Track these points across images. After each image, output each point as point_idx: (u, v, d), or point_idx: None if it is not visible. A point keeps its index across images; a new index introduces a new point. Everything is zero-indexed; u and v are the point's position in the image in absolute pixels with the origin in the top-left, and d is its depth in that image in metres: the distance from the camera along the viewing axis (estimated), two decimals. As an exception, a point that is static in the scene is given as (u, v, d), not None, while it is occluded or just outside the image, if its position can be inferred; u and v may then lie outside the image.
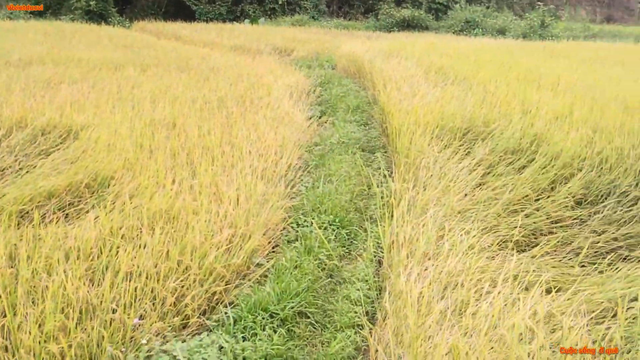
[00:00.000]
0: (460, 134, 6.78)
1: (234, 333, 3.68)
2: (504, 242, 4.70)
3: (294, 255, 4.63)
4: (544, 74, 10.24)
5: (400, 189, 5.17)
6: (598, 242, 4.80)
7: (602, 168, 5.44)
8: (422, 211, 4.83)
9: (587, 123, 6.30)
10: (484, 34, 26.19)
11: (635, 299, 3.67)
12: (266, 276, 4.40)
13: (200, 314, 3.91)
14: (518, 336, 2.96)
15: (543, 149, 5.83)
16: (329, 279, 4.54)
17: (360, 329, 3.89)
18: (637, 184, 5.26)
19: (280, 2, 33.36)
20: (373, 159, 7.52)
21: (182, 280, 3.92)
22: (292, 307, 3.96)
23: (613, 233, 4.83)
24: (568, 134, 5.92)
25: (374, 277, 4.54)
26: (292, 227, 5.30)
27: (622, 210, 5.04)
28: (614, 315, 3.57)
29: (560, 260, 4.61)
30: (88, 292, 3.55)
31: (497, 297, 3.47)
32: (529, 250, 4.69)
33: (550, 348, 2.95)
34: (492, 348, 2.92)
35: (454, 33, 26.97)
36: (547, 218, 5.00)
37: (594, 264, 4.66)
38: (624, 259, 4.64)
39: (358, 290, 4.32)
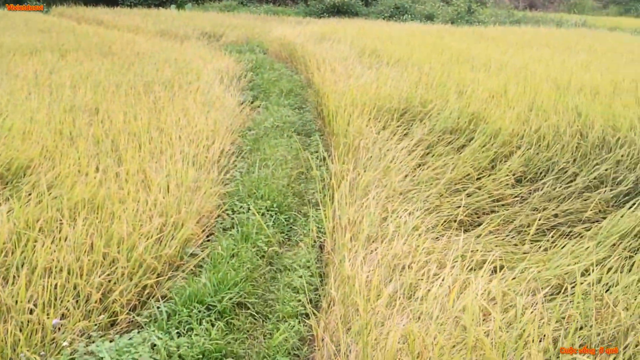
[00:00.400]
0: (397, 115, 6.65)
1: (168, 329, 3.37)
2: (447, 222, 4.59)
3: (231, 243, 4.35)
4: (476, 56, 10.30)
5: (340, 170, 4.97)
6: (539, 220, 4.76)
7: (540, 145, 5.43)
8: (363, 193, 4.64)
9: (522, 102, 6.30)
10: (413, 19, 26.40)
11: (583, 274, 3.62)
12: (201, 266, 4.10)
13: (129, 310, 3.59)
14: (472, 317, 2.81)
15: (481, 128, 5.77)
16: (269, 267, 4.29)
17: (305, 318, 3.67)
18: (574, 161, 5.27)
19: (206, -13, 32.51)
20: (310, 142, 7.30)
21: (108, 275, 3.58)
22: (231, 298, 3.69)
23: (553, 210, 4.80)
24: (505, 112, 5.88)
25: (317, 262, 4.32)
26: (227, 214, 5.01)
27: (561, 186, 5.03)
28: (563, 292, 3.50)
29: (504, 239, 4.55)
30: (1, 291, 3.16)
31: (446, 278, 3.32)
32: (473, 229, 4.61)
33: (506, 327, 2.82)
34: (446, 331, 2.75)
35: (384, 19, 27.05)
36: (489, 197, 4.93)
37: (537, 241, 4.62)
38: (566, 235, 4.62)
39: (300, 277, 4.09)
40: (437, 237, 4.28)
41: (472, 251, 4.10)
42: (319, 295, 3.92)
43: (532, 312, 2.93)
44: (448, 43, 12.56)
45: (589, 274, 3.61)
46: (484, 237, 4.32)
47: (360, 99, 6.80)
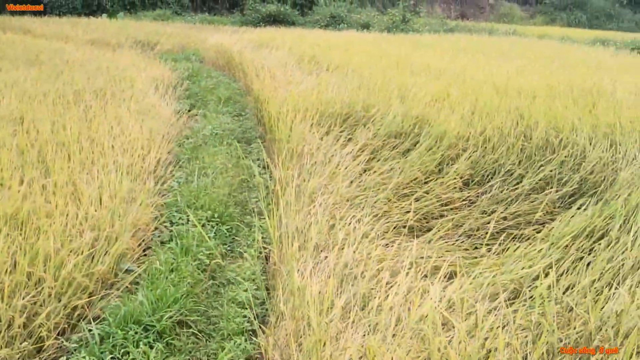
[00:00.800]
0: (340, 120, 6.50)
1: (101, 353, 3.06)
2: (397, 228, 4.45)
3: (170, 257, 4.06)
4: (414, 61, 10.32)
5: (284, 177, 4.75)
6: (488, 223, 4.69)
7: (485, 148, 5.38)
8: (310, 200, 4.44)
9: (465, 104, 6.27)
10: (349, 28, 26.54)
11: (539, 277, 3.53)
12: (138, 283, 3.79)
13: (58, 335, 3.26)
14: (433, 327, 2.65)
15: (426, 131, 5.68)
16: (212, 281, 4.02)
17: (252, 335, 3.42)
18: (519, 162, 5.25)
19: (140, -4, 31.72)
20: (251, 150, 7.06)
21: (33, 296, 3.24)
22: (171, 317, 3.40)
23: (502, 213, 4.74)
24: (449, 115, 5.83)
25: (262, 274, 4.09)
26: (165, 227, 4.71)
27: (508, 189, 4.99)
28: (520, 296, 3.40)
29: (454, 244, 4.45)
30: None
31: (401, 286, 3.16)
32: (423, 235, 4.48)
33: (467, 336, 2.67)
34: (406, 344, 2.58)
35: (320, 27, 27.07)
36: (438, 201, 4.82)
37: (487, 245, 4.54)
38: (516, 238, 4.56)
39: (245, 291, 3.84)
40: (387, 244, 4.12)
41: (424, 258, 3.97)
42: (267, 310, 3.68)
43: (493, 320, 2.80)
44: (386, 49, 12.59)
45: (545, 276, 3.53)
46: (434, 242, 4.19)
47: (302, 104, 6.61)
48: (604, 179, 5.00)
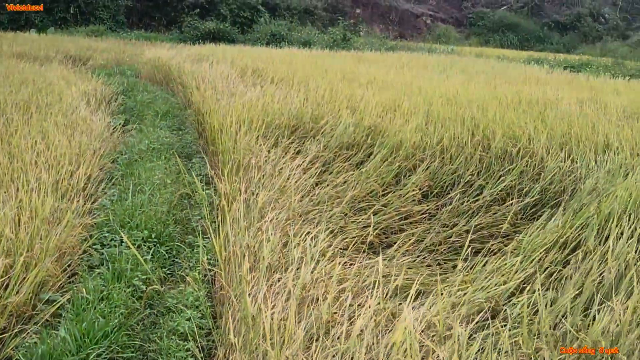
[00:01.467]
0: (288, 132, 6.12)
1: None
2: (356, 244, 4.09)
3: (99, 283, 3.54)
4: (360, 75, 10.10)
5: (230, 191, 4.32)
6: (450, 237, 4.39)
7: (443, 158, 5.11)
8: (259, 215, 4.02)
9: (418, 114, 6.01)
10: (291, 46, 26.33)
11: (513, 293, 3.23)
12: (60, 315, 3.26)
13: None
14: (411, 354, 2.28)
15: (380, 142, 5.38)
16: (149, 310, 3.53)
17: (197, 372, 2.96)
18: (478, 173, 5.00)
19: (72, 11, 30.51)
20: (192, 165, 6.57)
21: None
22: (100, 355, 2.90)
23: (464, 225, 4.45)
24: (404, 125, 5.54)
25: (208, 300, 3.62)
26: (95, 249, 4.18)
27: (468, 200, 4.72)
28: (495, 316, 3.08)
29: (415, 260, 4.12)
30: None
31: (368, 309, 2.78)
32: (383, 251, 4.13)
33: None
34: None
35: (261, 45, 26.74)
36: (397, 214, 4.49)
37: (450, 260, 4.24)
38: (479, 252, 4.29)
39: (188, 320, 3.37)
40: (347, 262, 3.75)
41: (387, 277, 3.62)
42: (214, 342, 3.22)
43: (472, 345, 2.45)
44: (330, 64, 12.34)
45: (520, 292, 3.23)
46: (397, 259, 3.85)
47: (247, 115, 6.20)
48: (564, 189, 4.80)
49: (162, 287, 3.82)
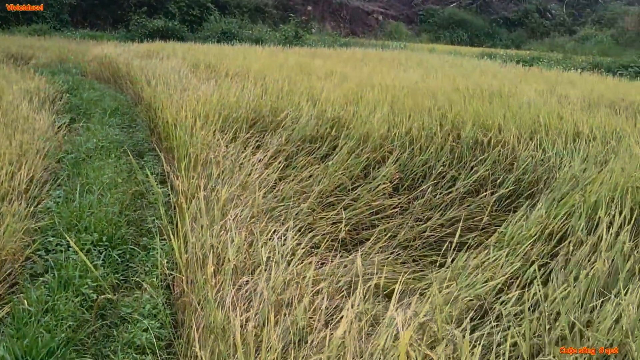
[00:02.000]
0: (247, 126, 5.80)
1: None
2: (327, 242, 3.80)
3: (43, 293, 3.15)
4: (317, 68, 9.82)
5: (189, 188, 3.98)
6: (425, 232, 4.17)
7: (413, 149, 4.89)
8: (221, 214, 3.69)
9: (383, 106, 5.77)
10: (242, 43, 25.85)
11: (502, 289, 3.01)
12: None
13: None
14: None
15: (346, 133, 5.11)
16: (101, 321, 3.16)
17: (158, 391, 2.63)
18: (450, 164, 4.79)
19: (12, 10, 29.18)
20: (144, 163, 6.16)
21: None
22: (45, 376, 2.53)
23: (438, 219, 4.23)
24: (369, 116, 5.29)
25: (167, 308, 3.28)
26: (38, 256, 3.77)
27: (441, 193, 4.50)
28: (484, 316, 2.85)
29: (389, 258, 3.87)
30: None
31: (349, 312, 2.50)
32: (356, 248, 3.87)
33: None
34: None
35: (211, 43, 26.16)
36: (368, 209, 4.24)
37: (425, 256, 4.01)
38: (457, 247, 4.08)
39: (146, 330, 3.02)
40: (319, 262, 3.46)
41: (362, 276, 3.35)
42: (175, 354, 2.89)
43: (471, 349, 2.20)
44: (285, 58, 12.03)
45: (508, 288, 3.02)
46: (372, 256, 3.59)
47: (202, 109, 5.85)
48: (538, 179, 4.64)
49: (115, 295, 3.45)
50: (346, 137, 5.01)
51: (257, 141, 5.53)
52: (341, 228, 3.55)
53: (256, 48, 17.00)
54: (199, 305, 2.76)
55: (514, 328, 2.54)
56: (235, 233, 3.30)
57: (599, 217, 3.27)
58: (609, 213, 3.23)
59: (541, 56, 22.22)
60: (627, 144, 4.64)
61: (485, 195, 4.44)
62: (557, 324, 2.54)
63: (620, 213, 3.24)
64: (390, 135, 5.00)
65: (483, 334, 2.52)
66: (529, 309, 2.69)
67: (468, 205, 4.34)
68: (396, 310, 2.60)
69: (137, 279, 3.64)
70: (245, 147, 5.25)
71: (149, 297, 3.36)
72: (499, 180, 4.61)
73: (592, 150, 4.65)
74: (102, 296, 3.28)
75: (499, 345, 2.44)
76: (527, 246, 3.25)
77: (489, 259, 3.27)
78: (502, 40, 41.37)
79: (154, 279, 3.52)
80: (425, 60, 15.09)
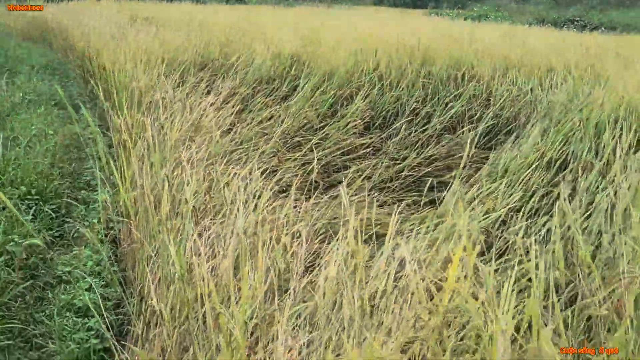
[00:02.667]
0: (195, 70, 5.23)
1: None
2: (295, 185, 3.34)
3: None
4: (267, 21, 9.21)
5: (133, 127, 3.43)
6: (402, 171, 3.76)
7: (383, 85, 4.44)
8: (173, 156, 3.16)
9: (345, 45, 5.29)
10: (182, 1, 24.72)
11: (504, 222, 2.63)
12: None
13: None
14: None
15: (307, 72, 4.63)
16: (32, 282, 2.62)
17: (107, 356, 2.14)
18: (424, 100, 4.38)
19: None
20: (81, 116, 5.50)
21: None
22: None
23: (415, 158, 3.83)
24: (333, 53, 4.82)
25: (113, 264, 2.76)
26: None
27: (417, 131, 4.09)
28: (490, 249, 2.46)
29: (365, 201, 3.44)
30: None
31: (340, 251, 2.07)
32: (328, 191, 3.43)
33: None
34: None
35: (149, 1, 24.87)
36: (338, 149, 3.79)
37: (402, 200, 3.61)
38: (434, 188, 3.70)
39: (88, 290, 2.51)
40: (292, 206, 3.00)
41: (340, 218, 2.93)
42: (125, 315, 2.40)
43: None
44: (227, 13, 11.33)
45: (510, 220, 2.64)
46: (352, 197, 3.15)
47: (145, 53, 5.23)
48: (517, 114, 4.29)
49: (49, 252, 2.91)
50: (308, 76, 4.52)
51: (207, 86, 4.97)
52: (313, 166, 3.09)
53: (196, 6, 16.13)
54: (154, 252, 2.27)
55: (528, 261, 2.16)
56: (191, 174, 2.80)
57: (603, 141, 2.93)
58: (615, 135, 2.90)
59: (487, 13, 22.11)
60: (614, 71, 4.31)
61: (463, 132, 4.06)
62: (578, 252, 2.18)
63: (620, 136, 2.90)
64: (357, 71, 4.54)
65: (498, 269, 2.14)
66: (538, 241, 2.33)
67: (447, 142, 3.95)
68: (392, 250, 2.17)
69: (76, 235, 3.09)
70: (194, 90, 4.70)
71: (91, 253, 2.84)
72: (476, 116, 4.24)
73: (574, 83, 4.32)
74: (36, 256, 2.73)
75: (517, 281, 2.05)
76: (526, 175, 2.88)
77: (482, 191, 2.89)
78: (446, 2, 41.34)
79: (97, 233, 2.99)
80: (373, 15, 14.67)
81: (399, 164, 3.79)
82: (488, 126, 4.16)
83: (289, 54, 4.95)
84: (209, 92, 4.93)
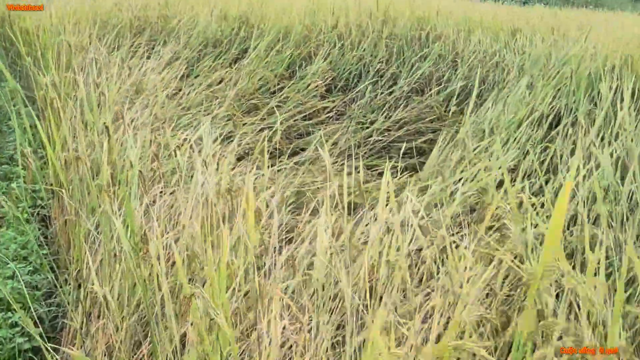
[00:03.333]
0: (132, 33, 4.71)
1: None
2: (255, 151, 2.94)
3: None
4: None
5: (62, 86, 2.94)
6: (370, 136, 3.42)
7: (343, 44, 4.07)
8: (112, 117, 2.70)
9: (298, 5, 4.88)
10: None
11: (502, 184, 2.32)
12: None
13: None
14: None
15: (257, 34, 4.21)
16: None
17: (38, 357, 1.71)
18: (388, 60, 4.04)
19: None
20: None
21: None
22: None
23: (384, 122, 3.49)
24: (284, 13, 4.41)
25: (43, 247, 2.30)
26: None
27: (383, 93, 3.75)
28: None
29: (333, 167, 3.08)
30: None
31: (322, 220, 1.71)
32: (292, 158, 3.05)
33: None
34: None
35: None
36: (299, 112, 3.41)
37: (374, 167, 3.28)
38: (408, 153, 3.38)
39: (11, 278, 2.05)
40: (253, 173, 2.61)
41: (312, 184, 2.58)
42: (59, 305, 1.96)
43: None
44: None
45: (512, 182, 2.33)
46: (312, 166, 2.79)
47: (73, 15, 4.68)
48: (486, 75, 4.01)
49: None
50: (260, 37, 4.09)
51: (147, 51, 4.48)
52: (277, 128, 2.69)
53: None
54: (93, 228, 1.84)
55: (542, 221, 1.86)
56: (134, 136, 2.36)
57: (598, 94, 2.66)
58: (611, 87, 2.64)
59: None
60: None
61: (431, 94, 3.75)
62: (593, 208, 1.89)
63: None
64: (315, 30, 4.15)
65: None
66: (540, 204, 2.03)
67: (417, 104, 3.63)
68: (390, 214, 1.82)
69: (-4, 213, 2.60)
70: (132, 55, 4.21)
71: (14, 235, 2.36)
72: (444, 78, 3.93)
73: (544, 40, 4.07)
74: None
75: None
76: (519, 133, 2.57)
77: (468, 152, 2.57)
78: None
79: (21, 212, 2.50)
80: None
81: (367, 128, 3.44)
82: (459, 87, 3.85)
83: (237, 14, 4.51)
84: (148, 57, 4.45)
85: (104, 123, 2.03)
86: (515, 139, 2.55)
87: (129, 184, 1.94)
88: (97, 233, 1.81)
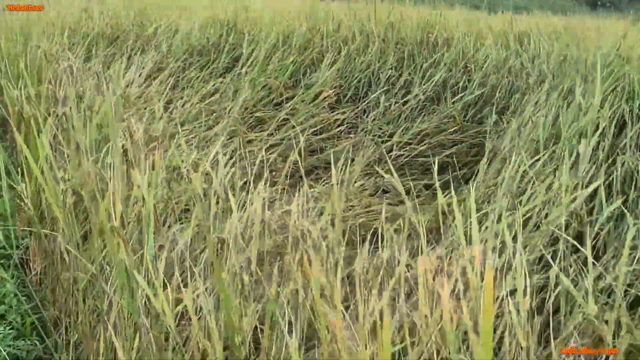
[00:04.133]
0: (105, 43, 4.26)
1: None
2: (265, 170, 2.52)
3: None
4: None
5: (38, 104, 2.47)
6: (390, 152, 3.05)
7: (349, 50, 3.70)
8: (101, 136, 2.26)
9: (292, 11, 4.50)
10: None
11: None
12: None
13: None
14: None
15: (249, 39, 3.81)
16: None
17: None
18: (396, 67, 3.68)
19: None
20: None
21: None
22: None
23: (404, 135, 3.12)
24: (277, 17, 4.02)
25: (23, 302, 1.83)
26: None
27: (397, 102, 3.39)
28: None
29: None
30: None
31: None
32: (307, 176, 2.64)
33: None
34: None
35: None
36: (310, 127, 3.01)
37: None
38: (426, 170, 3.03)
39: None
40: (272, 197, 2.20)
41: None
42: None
43: None
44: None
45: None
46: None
47: (33, 27, 4.21)
48: (500, 82, 3.69)
49: None
50: (254, 43, 3.68)
51: (122, 62, 4.03)
52: (301, 147, 2.27)
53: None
54: (104, 282, 1.39)
55: None
56: (137, 159, 1.91)
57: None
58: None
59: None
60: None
61: (449, 103, 3.41)
62: None
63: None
64: (315, 35, 3.77)
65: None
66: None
67: (435, 114, 3.27)
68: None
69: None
70: (108, 65, 3.76)
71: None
72: (460, 84, 3.59)
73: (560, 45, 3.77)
74: None
75: None
76: (583, 144, 2.22)
77: (520, 168, 2.21)
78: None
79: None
80: None
81: (385, 142, 3.06)
82: (476, 96, 3.51)
83: (225, 19, 4.10)
84: (128, 68, 4.00)
85: (123, 146, 1.59)
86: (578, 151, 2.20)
87: (144, 223, 1.50)
88: (111, 290, 1.37)
